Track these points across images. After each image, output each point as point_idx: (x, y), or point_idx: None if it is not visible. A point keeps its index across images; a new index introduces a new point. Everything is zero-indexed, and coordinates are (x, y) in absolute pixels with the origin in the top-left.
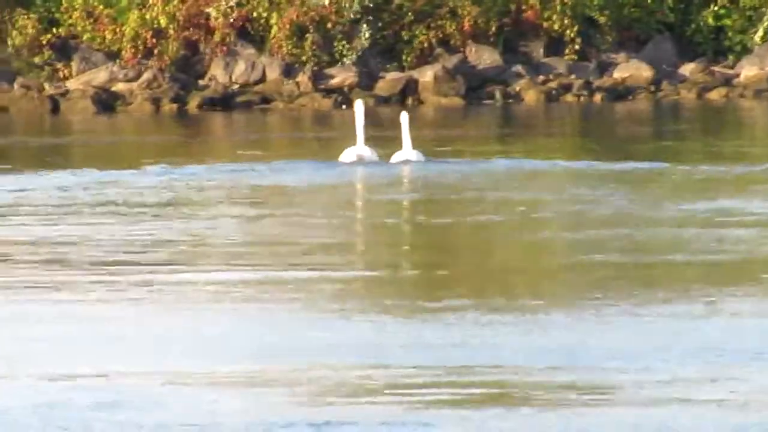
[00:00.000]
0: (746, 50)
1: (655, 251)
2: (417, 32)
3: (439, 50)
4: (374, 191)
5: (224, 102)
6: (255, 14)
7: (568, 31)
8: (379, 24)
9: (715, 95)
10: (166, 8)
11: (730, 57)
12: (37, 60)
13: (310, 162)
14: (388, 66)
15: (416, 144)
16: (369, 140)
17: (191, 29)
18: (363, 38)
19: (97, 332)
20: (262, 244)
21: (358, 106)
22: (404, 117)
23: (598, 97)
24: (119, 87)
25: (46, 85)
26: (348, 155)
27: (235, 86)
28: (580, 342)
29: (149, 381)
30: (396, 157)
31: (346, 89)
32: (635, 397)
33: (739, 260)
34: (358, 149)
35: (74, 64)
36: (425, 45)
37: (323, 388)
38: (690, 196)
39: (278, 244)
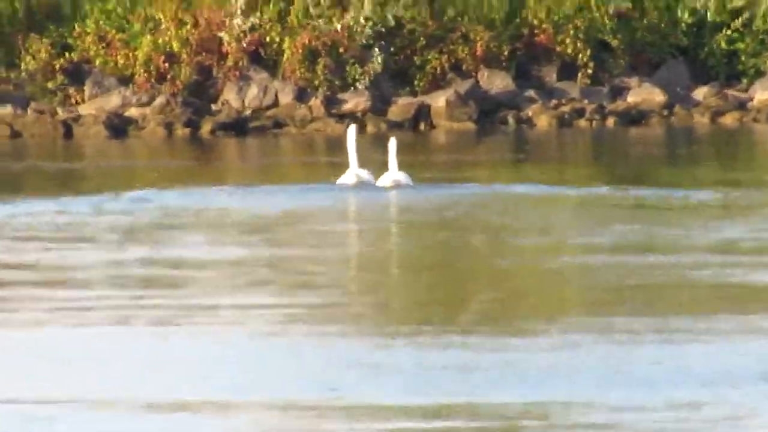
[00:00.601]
0: (759, 74)
1: (654, 276)
2: (429, 57)
3: (451, 75)
4: (362, 215)
5: (237, 127)
6: (267, 39)
7: (580, 56)
8: (392, 49)
9: (728, 119)
10: (179, 33)
11: (744, 81)
12: (50, 85)
13: (303, 185)
14: (400, 91)
15: (430, 169)
16: (377, 164)
17: (204, 54)
18: (375, 63)
19: (71, 357)
20: (239, 267)
21: (350, 130)
22: (392, 142)
23: (611, 122)
24: (132, 112)
25: (59, 110)
26: (346, 178)
27: (248, 111)
28: (550, 366)
29: (104, 408)
30: (382, 180)
31: (358, 114)
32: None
33: (738, 284)
34: (356, 171)
35: (87, 89)
36: (437, 70)
37: (286, 416)
38: (699, 222)
39: (255, 268)
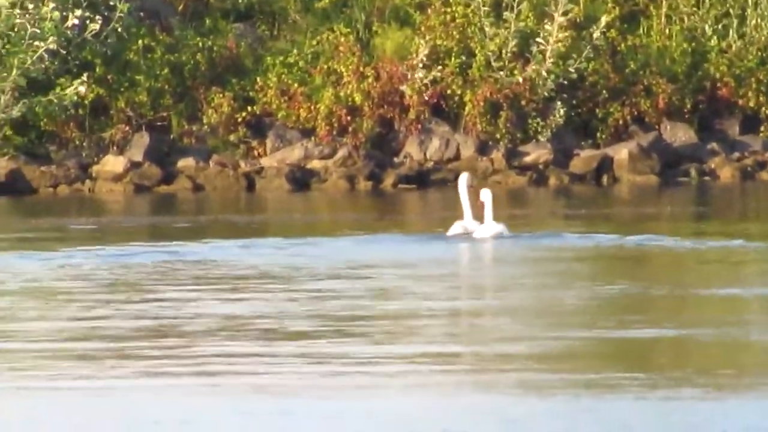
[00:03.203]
0: None
1: None
2: (611, 109)
3: (633, 127)
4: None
5: (419, 179)
6: (449, 92)
7: (763, 108)
8: (574, 101)
9: None
10: (361, 86)
11: None
12: (232, 138)
13: (412, 236)
14: (582, 143)
15: (610, 222)
16: (558, 217)
17: (386, 107)
18: (557, 115)
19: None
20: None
21: (462, 179)
22: (486, 193)
23: None
24: (314, 164)
25: (242, 163)
26: (455, 229)
27: (430, 163)
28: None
29: None
30: (479, 232)
31: (540, 166)
32: None
33: None
34: (466, 222)
35: (269, 142)
36: (620, 122)
37: None
38: None
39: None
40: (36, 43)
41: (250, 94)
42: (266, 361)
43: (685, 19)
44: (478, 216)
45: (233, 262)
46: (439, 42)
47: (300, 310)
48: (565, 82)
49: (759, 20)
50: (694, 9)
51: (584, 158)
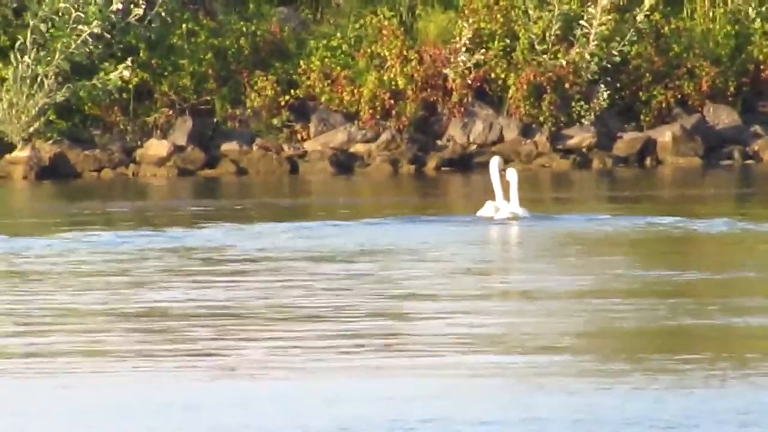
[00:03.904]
0: None
1: None
2: (655, 92)
3: (677, 110)
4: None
5: (462, 162)
6: (492, 75)
7: None
8: (617, 84)
9: None
10: (404, 69)
11: None
12: (275, 121)
13: (445, 217)
14: (626, 126)
15: (652, 207)
16: (601, 199)
17: (429, 90)
18: (601, 98)
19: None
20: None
21: (493, 162)
22: (512, 174)
23: None
24: (357, 148)
25: (285, 147)
26: (486, 209)
27: (473, 147)
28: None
29: None
30: (501, 214)
31: (584, 149)
32: None
33: None
34: (497, 203)
35: (312, 126)
36: (663, 105)
37: None
38: None
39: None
40: (80, 27)
41: (294, 77)
42: (279, 344)
43: (729, 2)
44: (509, 198)
45: (265, 246)
46: (482, 25)
47: (323, 293)
48: (609, 66)
49: None
50: None
51: (628, 141)
